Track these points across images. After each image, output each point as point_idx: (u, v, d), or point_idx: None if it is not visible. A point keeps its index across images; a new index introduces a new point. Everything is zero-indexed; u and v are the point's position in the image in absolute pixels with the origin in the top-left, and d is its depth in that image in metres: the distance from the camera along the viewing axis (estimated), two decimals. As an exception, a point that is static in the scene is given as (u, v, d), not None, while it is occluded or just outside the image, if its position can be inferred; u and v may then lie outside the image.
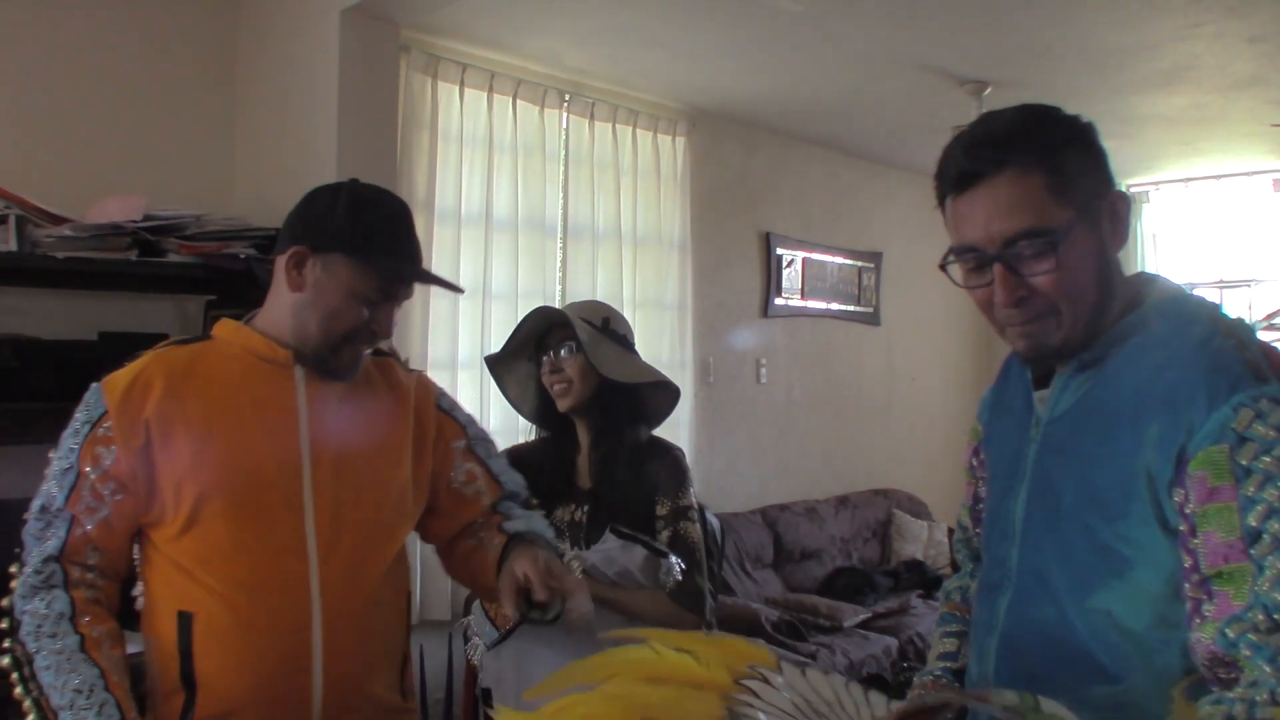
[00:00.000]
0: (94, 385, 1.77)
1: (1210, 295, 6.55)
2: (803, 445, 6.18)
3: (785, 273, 6.03)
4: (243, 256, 3.31)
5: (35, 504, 1.75)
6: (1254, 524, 1.18)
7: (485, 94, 4.42)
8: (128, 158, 3.60)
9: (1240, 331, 1.33)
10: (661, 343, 5.15)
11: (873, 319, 6.77)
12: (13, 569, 1.74)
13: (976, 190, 1.36)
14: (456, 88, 4.33)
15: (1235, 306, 6.54)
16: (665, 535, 2.41)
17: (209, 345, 1.85)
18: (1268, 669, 1.13)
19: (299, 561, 1.74)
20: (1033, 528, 1.45)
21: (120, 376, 1.77)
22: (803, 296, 6.18)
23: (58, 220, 3.09)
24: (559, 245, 4.80)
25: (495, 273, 4.43)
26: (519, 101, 4.54)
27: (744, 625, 4.57)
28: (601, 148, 4.91)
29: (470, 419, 2.07)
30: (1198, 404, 1.24)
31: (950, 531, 5.59)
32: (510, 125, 4.51)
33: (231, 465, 1.73)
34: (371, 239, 1.79)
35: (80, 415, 1.76)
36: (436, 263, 4.19)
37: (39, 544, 1.72)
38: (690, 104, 5.32)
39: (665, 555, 2.29)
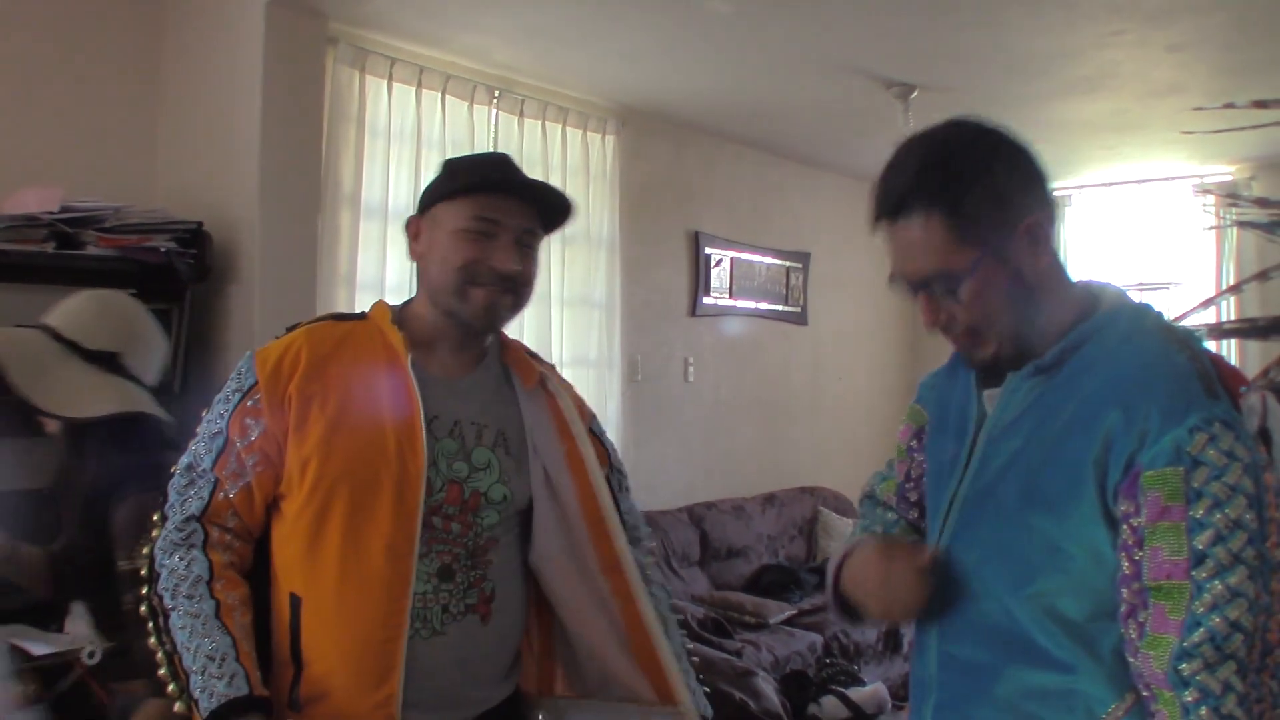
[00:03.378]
0: (248, 354, 1.79)
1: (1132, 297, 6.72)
2: (730, 443, 6.21)
3: (714, 272, 6.05)
4: (163, 250, 3.26)
5: (183, 460, 1.79)
6: (1200, 547, 1.25)
7: (414, 89, 4.38)
8: (45, 148, 3.52)
9: (1192, 343, 1.40)
10: (589, 341, 5.15)
11: (800, 319, 6.81)
12: (154, 518, 1.78)
13: (892, 226, 1.44)
14: (385, 82, 4.28)
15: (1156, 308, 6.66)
16: None
17: (360, 326, 1.84)
18: (1204, 712, 1.22)
19: (403, 562, 1.72)
20: (969, 524, 1.47)
21: (273, 348, 1.78)
22: (731, 296, 6.20)
23: (-29, 211, 3.02)
24: (486, 242, 4.75)
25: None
26: (448, 97, 4.51)
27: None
28: (530, 145, 4.87)
29: (613, 448, 2.11)
30: (1152, 415, 1.29)
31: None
32: (439, 120, 4.48)
33: (353, 456, 1.72)
34: (459, 176, 1.81)
35: (232, 383, 1.78)
36: (363, 258, 4.15)
37: (182, 501, 1.76)
38: (620, 102, 5.31)
39: None
